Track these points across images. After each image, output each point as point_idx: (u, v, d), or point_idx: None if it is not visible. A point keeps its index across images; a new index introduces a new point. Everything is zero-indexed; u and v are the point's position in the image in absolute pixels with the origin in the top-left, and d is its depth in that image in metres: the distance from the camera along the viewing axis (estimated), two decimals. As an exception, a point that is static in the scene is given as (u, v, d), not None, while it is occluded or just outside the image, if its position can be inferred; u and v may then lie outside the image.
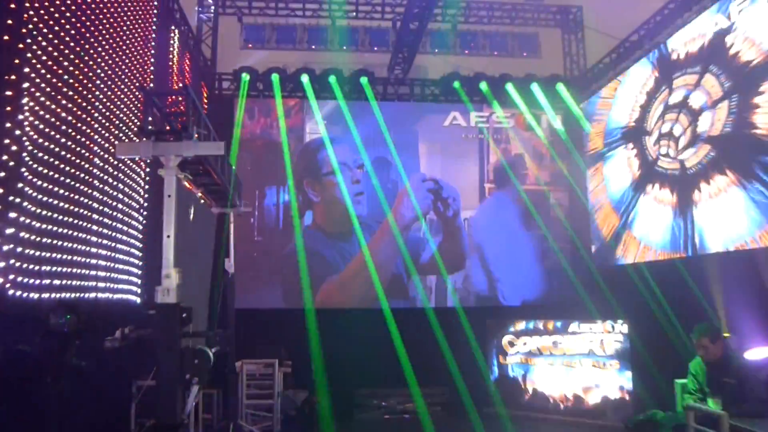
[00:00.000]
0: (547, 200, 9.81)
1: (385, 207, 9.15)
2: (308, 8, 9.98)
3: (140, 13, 6.74)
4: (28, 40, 4.40)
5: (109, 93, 5.76)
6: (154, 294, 4.26)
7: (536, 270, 9.57)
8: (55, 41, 4.74)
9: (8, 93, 4.19)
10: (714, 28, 6.71)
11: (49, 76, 4.63)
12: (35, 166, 4.45)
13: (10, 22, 4.22)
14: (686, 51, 7.24)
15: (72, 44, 5.00)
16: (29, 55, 4.40)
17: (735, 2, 6.40)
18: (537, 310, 9.09)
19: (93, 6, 5.44)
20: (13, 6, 4.26)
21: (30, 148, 4.38)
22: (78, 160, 5.05)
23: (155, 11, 7.23)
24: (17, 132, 4.25)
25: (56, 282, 4.62)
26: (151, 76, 7.03)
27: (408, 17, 8.31)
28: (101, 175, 5.54)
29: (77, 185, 5.03)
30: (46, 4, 4.64)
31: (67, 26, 4.93)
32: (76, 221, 4.98)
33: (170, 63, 7.79)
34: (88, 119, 5.30)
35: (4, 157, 4.11)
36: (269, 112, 9.52)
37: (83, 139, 5.18)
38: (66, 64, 4.90)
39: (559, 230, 9.69)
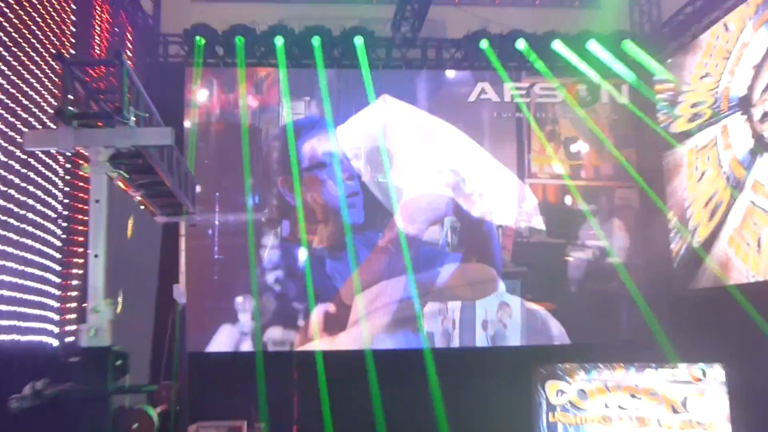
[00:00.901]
0: (609, 200, 9.79)
1: (394, 206, 9.18)
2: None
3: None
4: None
5: (13, 63, 5.77)
6: (78, 335, 4.24)
7: (596, 295, 9.56)
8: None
9: None
10: None
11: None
12: None
13: None
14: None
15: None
16: None
17: None
18: (598, 349, 9.03)
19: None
20: None
21: None
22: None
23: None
24: None
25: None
26: (71, 40, 7.04)
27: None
28: (3, 174, 5.54)
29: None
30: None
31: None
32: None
33: (96, 22, 7.80)
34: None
35: None
36: (233, 87, 9.53)
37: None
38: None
39: (625, 241, 9.66)
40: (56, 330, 6.28)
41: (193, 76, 9.29)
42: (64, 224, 6.63)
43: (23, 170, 5.88)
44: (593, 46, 9.70)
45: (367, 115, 9.54)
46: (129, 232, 7.41)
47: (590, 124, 9.84)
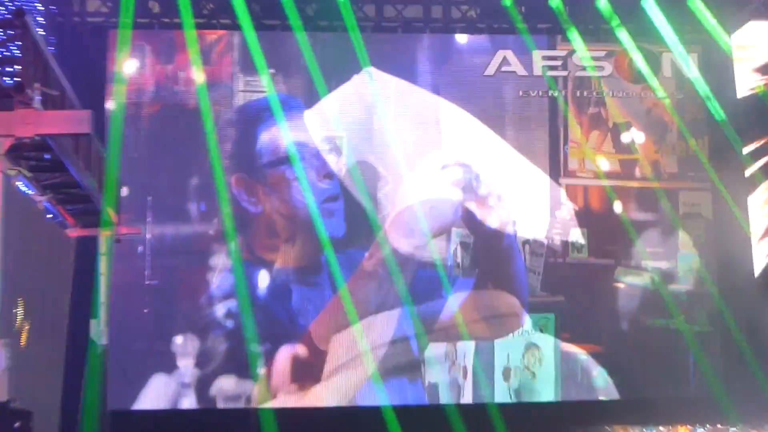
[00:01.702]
0: (672, 207, 9.88)
1: (374, 221, 9.23)
2: None
3: None
4: None
5: None
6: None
7: (654, 334, 9.62)
8: None
9: None
10: None
11: None
12: None
13: None
14: None
15: None
16: None
17: None
18: (657, 407, 9.12)
19: None
20: None
21: None
22: None
23: None
24: None
25: None
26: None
27: None
28: None
29: None
30: None
31: None
32: None
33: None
34: None
35: None
36: (172, 55, 9.59)
37: None
38: None
39: (694, 262, 9.73)
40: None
41: (119, 42, 9.32)
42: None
43: None
44: (650, 4, 9.78)
45: (345, 93, 9.55)
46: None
47: (647, 106, 9.92)
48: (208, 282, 9.13)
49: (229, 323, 9.08)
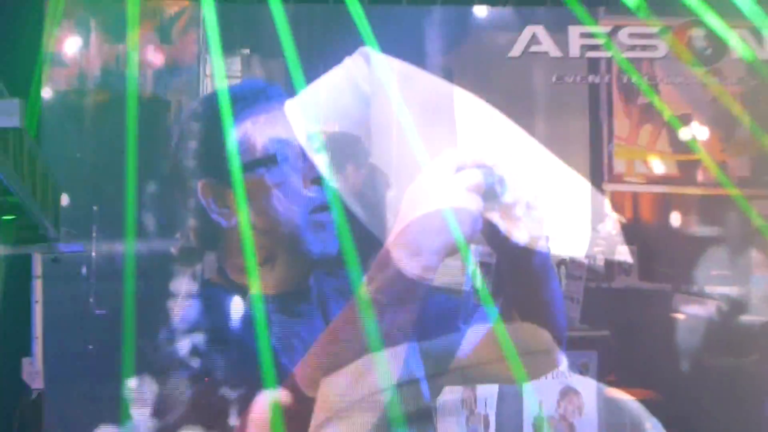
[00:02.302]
0: (744, 220, 9.90)
1: (374, 236, 9.19)
2: None
3: None
4: None
5: None
6: None
7: (724, 377, 9.58)
8: None
9: None
10: None
11: None
12: None
13: None
14: None
15: None
16: None
17: None
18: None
19: None
20: None
21: None
22: None
23: None
24: None
25: None
26: None
27: None
28: None
29: None
30: None
31: None
32: None
33: None
34: None
35: None
36: (122, 31, 9.64)
37: None
38: None
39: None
40: None
41: (56, 13, 9.36)
42: None
43: None
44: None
45: (337, 80, 9.58)
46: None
47: (713, 95, 9.96)
48: (169, 312, 9.14)
49: (195, 363, 9.04)
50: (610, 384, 9.39)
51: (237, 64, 9.50)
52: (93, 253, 9.14)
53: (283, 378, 9.47)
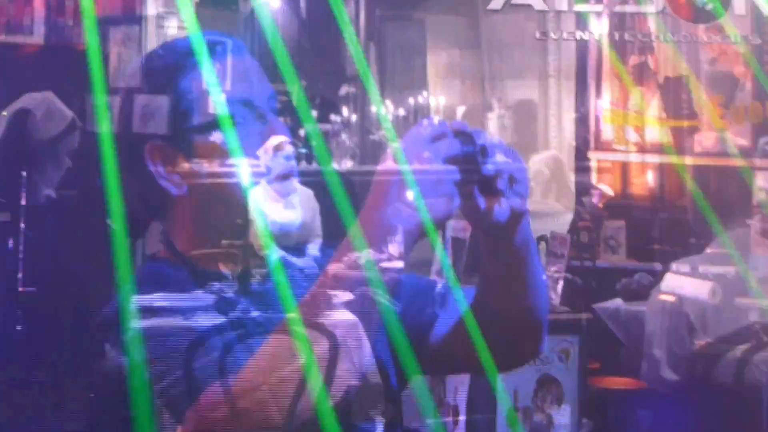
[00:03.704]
0: (743, 192, 10.01)
1: (345, 208, 9.20)
2: None
3: None
4: None
5: None
6: None
7: (719, 363, 9.68)
8: None
9: None
10: None
11: None
12: None
13: None
14: None
15: None
16: None
17: None
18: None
19: None
20: None
21: None
22: None
23: None
24: None
25: None
26: None
27: None
28: None
29: None
30: None
31: None
32: None
33: None
34: None
35: None
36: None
37: None
38: None
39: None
40: None
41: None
42: None
43: None
44: None
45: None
46: None
47: (712, 55, 10.01)
48: (111, 290, 9.07)
49: (136, 349, 9.06)
50: (594, 372, 9.43)
51: (186, 11, 9.45)
52: (21, 224, 9.09)
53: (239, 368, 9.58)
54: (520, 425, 9.43)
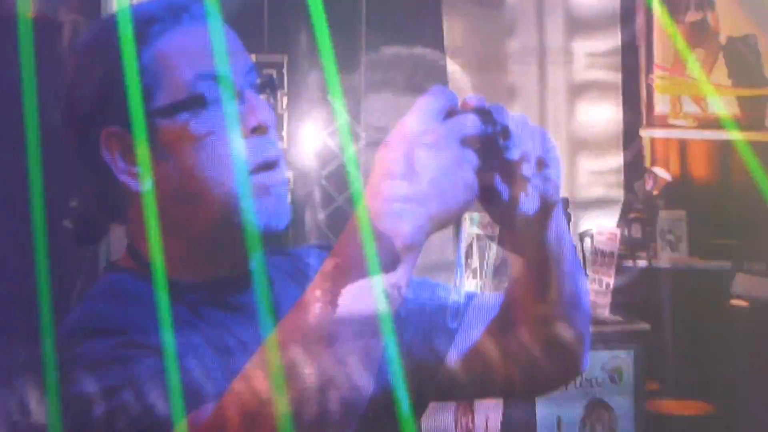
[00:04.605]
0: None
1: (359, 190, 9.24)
2: None
3: None
4: None
5: None
6: None
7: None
8: None
9: None
10: None
11: None
12: None
13: None
14: None
15: None
16: None
17: None
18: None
19: None
20: None
21: None
22: None
23: None
24: None
25: None
26: None
27: None
28: None
29: None
30: None
31: None
32: None
33: None
34: None
35: None
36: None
37: None
38: None
39: None
40: None
41: None
42: None
43: None
44: None
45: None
46: None
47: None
48: (66, 304, 9.18)
49: (95, 374, 9.11)
50: (654, 394, 9.44)
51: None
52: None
53: (211, 396, 9.58)
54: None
